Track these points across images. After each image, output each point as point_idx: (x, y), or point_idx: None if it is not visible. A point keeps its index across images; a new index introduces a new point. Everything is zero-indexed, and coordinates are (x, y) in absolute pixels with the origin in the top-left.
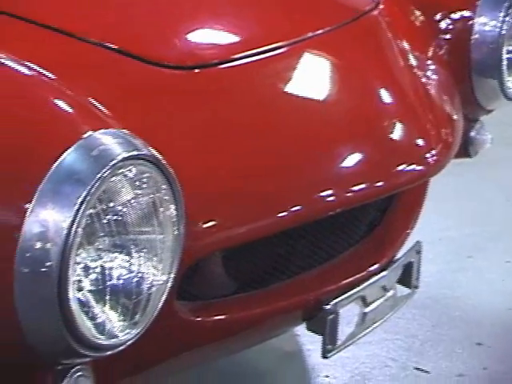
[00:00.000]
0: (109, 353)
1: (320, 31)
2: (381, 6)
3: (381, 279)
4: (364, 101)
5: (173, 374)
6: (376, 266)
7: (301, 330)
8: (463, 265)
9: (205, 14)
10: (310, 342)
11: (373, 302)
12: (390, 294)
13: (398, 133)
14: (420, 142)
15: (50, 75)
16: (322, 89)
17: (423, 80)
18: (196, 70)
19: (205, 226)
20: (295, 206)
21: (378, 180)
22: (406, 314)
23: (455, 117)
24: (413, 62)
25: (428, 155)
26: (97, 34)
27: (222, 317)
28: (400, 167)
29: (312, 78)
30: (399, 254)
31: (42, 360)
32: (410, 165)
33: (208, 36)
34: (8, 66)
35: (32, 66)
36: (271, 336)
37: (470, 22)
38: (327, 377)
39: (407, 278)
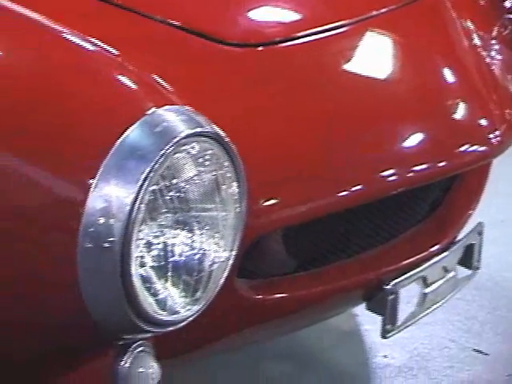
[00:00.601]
0: (170, 329)
1: (384, 9)
2: None
3: (442, 260)
4: (428, 79)
5: (231, 351)
6: (437, 247)
7: (359, 309)
8: None
9: None
10: (368, 321)
11: (433, 282)
12: (450, 275)
13: (461, 112)
14: (483, 122)
15: (114, 52)
16: (385, 67)
17: (487, 60)
18: (260, 48)
19: (267, 203)
20: (357, 185)
21: (440, 160)
22: (466, 295)
23: None
24: (477, 41)
25: (491, 135)
26: (161, 11)
27: (283, 295)
28: (463, 147)
29: (376, 56)
30: (461, 235)
31: (105, 335)
32: (474, 145)
33: (271, 13)
34: (73, 42)
35: (96, 42)
36: (330, 315)
37: None
38: (385, 357)
39: (468, 259)
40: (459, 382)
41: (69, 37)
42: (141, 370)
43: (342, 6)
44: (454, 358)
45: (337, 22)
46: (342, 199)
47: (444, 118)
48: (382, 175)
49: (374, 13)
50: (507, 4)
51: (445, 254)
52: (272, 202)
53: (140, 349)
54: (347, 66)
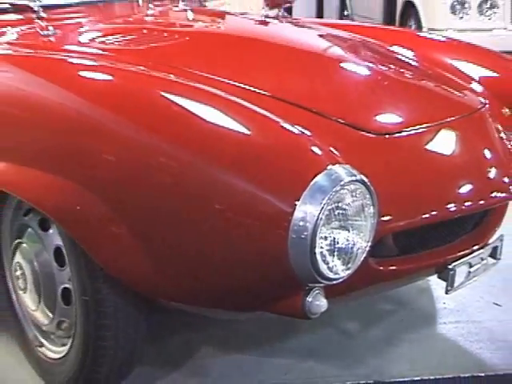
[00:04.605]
0: (334, 282)
1: (454, 118)
2: (487, 106)
3: (480, 254)
4: (478, 156)
5: (362, 297)
6: (477, 246)
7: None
8: None
9: (388, 103)
10: (435, 283)
11: (475, 265)
12: (484, 262)
13: (494, 174)
14: (506, 179)
15: (307, 133)
16: (454, 149)
17: (509, 147)
18: (386, 136)
19: (385, 218)
20: (434, 212)
21: (480, 199)
22: (490, 273)
23: None
24: (504, 136)
25: (511, 187)
26: (334, 114)
27: (394, 267)
28: (494, 194)
29: (450, 142)
30: (491, 240)
31: (299, 284)
32: (500, 192)
33: (391, 116)
34: (287, 128)
35: (300, 128)
36: (417, 280)
37: None
38: (444, 303)
39: (494, 253)
40: (486, 319)
41: (282, 124)
42: (317, 302)
43: (429, 113)
44: (482, 308)
45: (428, 123)
46: (426, 219)
47: (485, 176)
48: (448, 207)
49: (448, 119)
50: None
51: (482, 250)
52: (388, 218)
53: (317, 291)
54: (434, 147)
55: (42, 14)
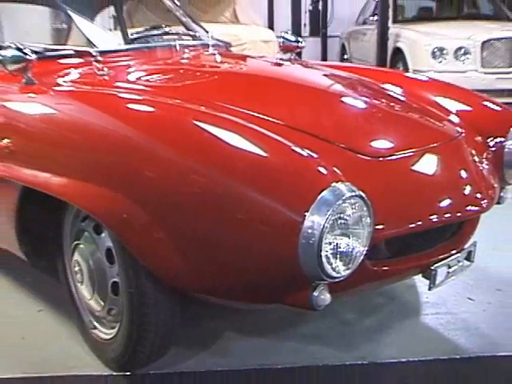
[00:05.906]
0: (336, 280)
1: (435, 144)
2: (463, 134)
3: (457, 257)
4: (457, 176)
5: (358, 293)
6: (455, 251)
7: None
8: (494, 252)
9: (382, 131)
10: (419, 281)
11: (452, 266)
12: (460, 263)
13: (469, 190)
14: (478, 195)
15: (314, 155)
16: (435, 168)
17: (481, 168)
18: (380, 159)
19: (379, 227)
20: (419, 221)
21: (457, 212)
22: (465, 273)
23: (495, 185)
24: (477, 159)
25: (482, 202)
26: (335, 139)
27: (386, 268)
28: (468, 207)
29: (432, 163)
30: (466, 246)
31: (307, 281)
32: (473, 206)
33: (384, 142)
34: (296, 151)
35: (306, 150)
36: (406, 279)
37: (504, 143)
38: (426, 298)
39: (469, 257)
40: (462, 311)
41: (293, 147)
42: (322, 297)
43: (417, 140)
44: (459, 300)
45: (414, 148)
46: (412, 228)
47: (461, 193)
48: (431, 218)
49: (431, 145)
50: (490, 143)
51: (458, 254)
52: (382, 227)
53: (322, 287)
54: (419, 168)
55: (99, 58)
